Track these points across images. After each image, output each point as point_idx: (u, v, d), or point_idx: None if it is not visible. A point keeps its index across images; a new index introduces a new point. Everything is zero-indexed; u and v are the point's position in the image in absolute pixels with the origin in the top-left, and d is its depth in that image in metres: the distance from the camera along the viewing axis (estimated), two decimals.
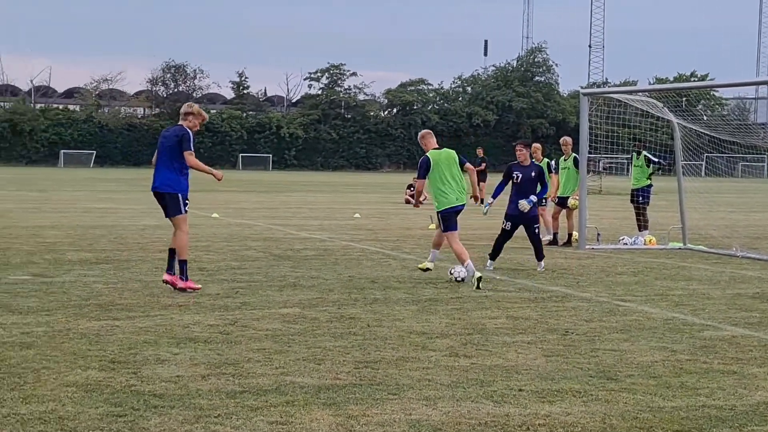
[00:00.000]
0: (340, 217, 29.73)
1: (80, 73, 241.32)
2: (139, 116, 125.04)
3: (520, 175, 16.39)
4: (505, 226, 16.55)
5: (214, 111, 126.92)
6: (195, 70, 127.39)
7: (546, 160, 22.21)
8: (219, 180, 13.94)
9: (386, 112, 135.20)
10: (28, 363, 8.41)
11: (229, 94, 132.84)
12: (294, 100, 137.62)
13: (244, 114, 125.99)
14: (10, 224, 23.80)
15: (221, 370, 8.33)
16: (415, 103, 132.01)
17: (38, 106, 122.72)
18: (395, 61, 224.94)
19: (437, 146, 15.27)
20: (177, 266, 13.18)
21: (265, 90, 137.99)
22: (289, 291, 13.27)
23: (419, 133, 15.87)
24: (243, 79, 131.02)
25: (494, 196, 16.94)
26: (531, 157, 17.26)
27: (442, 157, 14.96)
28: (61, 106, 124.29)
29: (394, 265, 16.84)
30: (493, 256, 16.66)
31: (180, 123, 13.57)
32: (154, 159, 13.68)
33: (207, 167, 13.58)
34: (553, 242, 21.02)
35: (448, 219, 14.94)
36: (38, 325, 10.26)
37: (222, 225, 25.26)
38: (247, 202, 38.41)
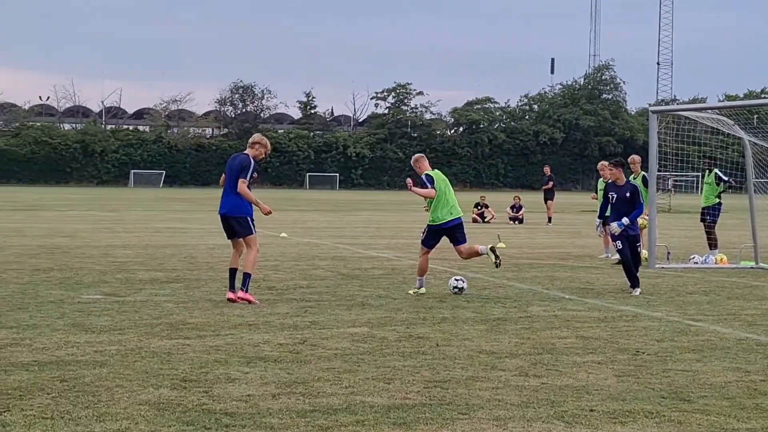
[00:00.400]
0: (407, 236, 29.71)
1: (150, 94, 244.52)
2: (208, 136, 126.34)
3: (615, 195, 16.14)
4: (616, 246, 16.32)
5: (282, 131, 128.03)
6: (263, 91, 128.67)
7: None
8: (266, 215, 14.39)
9: (452, 131, 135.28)
10: (101, 381, 8.52)
11: (296, 114, 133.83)
12: (361, 120, 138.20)
13: (311, 134, 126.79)
14: (83, 244, 24.14)
15: (291, 389, 8.37)
16: (482, 122, 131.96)
17: (109, 127, 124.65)
18: (462, 80, 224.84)
19: (429, 168, 15.78)
20: (242, 281, 13.88)
21: (332, 110, 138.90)
22: (357, 310, 13.30)
23: (413, 157, 16.27)
24: (310, 99, 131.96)
25: (600, 216, 17.05)
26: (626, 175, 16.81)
27: (440, 177, 15.67)
28: (131, 127, 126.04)
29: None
30: (633, 282, 15.92)
31: (246, 151, 14.27)
32: (221, 180, 14.25)
33: (256, 199, 14.08)
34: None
35: (435, 235, 15.54)
36: (111, 343, 10.38)
37: (290, 244, 25.39)
38: (315, 222, 38.57)
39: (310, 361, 9.58)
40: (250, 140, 14.39)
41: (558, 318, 12.88)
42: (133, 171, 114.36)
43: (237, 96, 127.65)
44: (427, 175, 15.60)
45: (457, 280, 15.62)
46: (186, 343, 10.50)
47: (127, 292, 14.75)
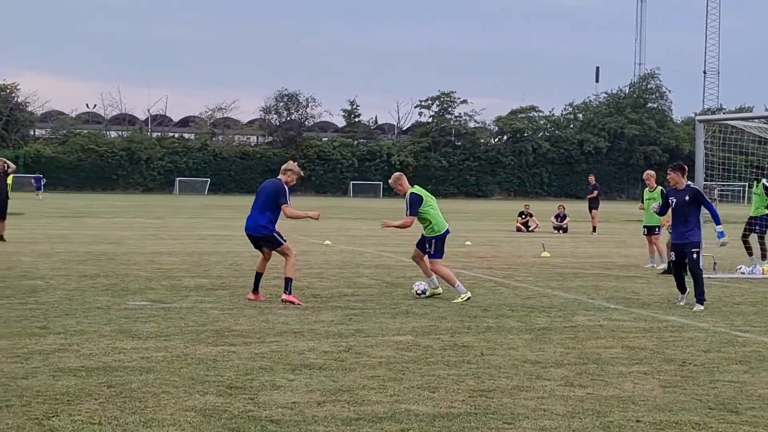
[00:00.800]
0: (451, 245, 29.49)
1: (195, 102, 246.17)
2: (252, 144, 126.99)
3: (675, 200, 15.91)
4: (670, 257, 16.14)
5: (326, 139, 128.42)
6: (307, 99, 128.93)
7: (660, 188, 21.96)
8: (316, 219, 15.35)
9: (496, 140, 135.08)
10: (148, 387, 8.57)
11: (340, 122, 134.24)
12: (404, 128, 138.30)
13: (355, 142, 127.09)
14: (129, 251, 24.33)
15: (336, 396, 8.38)
16: (526, 130, 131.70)
17: (155, 134, 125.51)
18: (506, 88, 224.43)
19: (410, 186, 16.03)
20: (284, 285, 14.75)
21: (376, 118, 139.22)
22: (402, 318, 13.31)
23: (393, 177, 16.46)
24: (354, 107, 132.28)
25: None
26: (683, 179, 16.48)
27: (425, 193, 16.03)
28: (176, 135, 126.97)
29: (506, 293, 16.77)
30: (682, 289, 15.74)
31: (279, 177, 15.21)
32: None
33: (303, 213, 15.27)
34: (669, 271, 20.69)
35: (443, 243, 15.95)
36: (157, 350, 10.45)
37: (334, 252, 25.46)
38: (359, 230, 38.62)
39: (354, 369, 9.59)
40: (284, 167, 15.35)
41: (603, 328, 12.81)
42: (178, 178, 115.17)
43: (282, 104, 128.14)
44: (413, 194, 15.82)
45: (418, 284, 16.03)
46: (231, 350, 10.55)
47: (172, 299, 14.85)
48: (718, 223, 15.75)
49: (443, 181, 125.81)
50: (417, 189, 15.97)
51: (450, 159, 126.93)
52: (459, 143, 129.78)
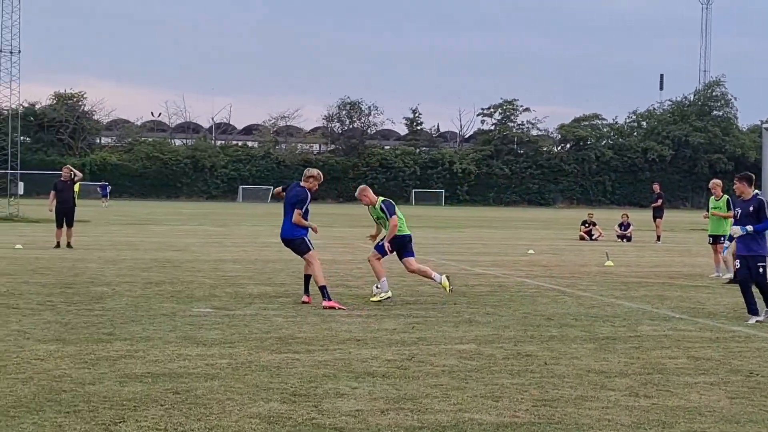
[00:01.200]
0: (513, 253, 29.60)
1: (259, 110, 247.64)
2: (315, 152, 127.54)
3: (740, 211, 15.61)
4: (735, 267, 15.91)
5: (388, 147, 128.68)
6: (369, 107, 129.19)
7: (726, 197, 21.75)
8: (315, 233, 16.16)
9: (559, 148, 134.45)
10: (213, 394, 8.65)
11: (402, 130, 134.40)
12: (467, 136, 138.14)
13: (417, 150, 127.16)
14: (193, 258, 24.56)
15: (400, 405, 8.39)
16: (589, 138, 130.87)
17: (219, 142, 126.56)
18: (569, 96, 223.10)
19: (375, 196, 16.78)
20: (321, 295, 15.31)
21: (438, 126, 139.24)
22: (464, 327, 13.29)
23: (359, 189, 16.91)
24: (416, 115, 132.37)
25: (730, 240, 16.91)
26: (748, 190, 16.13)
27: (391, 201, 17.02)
28: (240, 143, 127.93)
29: (570, 302, 16.67)
30: (752, 310, 14.92)
31: (302, 184, 15.96)
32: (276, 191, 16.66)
33: (307, 222, 15.87)
34: (734, 281, 20.44)
35: (410, 243, 16.90)
36: (221, 357, 10.54)
37: (397, 260, 25.39)
38: (421, 238, 38.56)
39: (418, 378, 9.60)
40: (307, 174, 16.13)
41: (668, 338, 12.69)
42: (241, 186, 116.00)
43: (344, 112, 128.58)
44: (386, 201, 16.66)
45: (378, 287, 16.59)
46: (295, 357, 10.60)
47: (236, 306, 14.96)
48: (757, 229, 15.06)
49: (505, 189, 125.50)
50: (383, 198, 16.79)
51: (512, 167, 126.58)
52: (521, 151, 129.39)
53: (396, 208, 16.67)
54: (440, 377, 9.65)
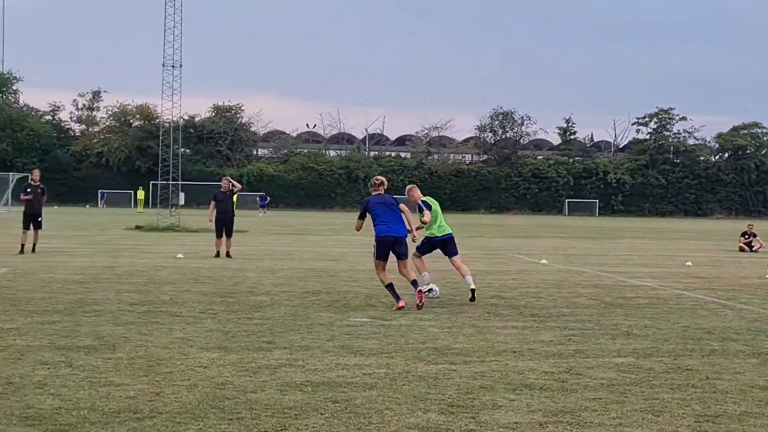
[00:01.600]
0: (670, 265, 29.05)
1: (411, 121, 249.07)
2: (467, 163, 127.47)
3: None
4: None
5: (541, 157, 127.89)
6: (522, 117, 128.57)
7: None
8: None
9: (717, 157, 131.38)
10: (371, 404, 8.74)
11: (555, 139, 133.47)
12: (621, 145, 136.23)
13: (571, 159, 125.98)
14: (349, 268, 24.82)
15: (558, 418, 8.34)
16: (749, 147, 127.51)
17: (372, 153, 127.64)
18: (727, 105, 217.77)
19: (421, 196, 18.41)
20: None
21: (592, 135, 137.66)
22: (622, 339, 13.11)
23: (407, 188, 19.11)
24: (570, 124, 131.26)
25: None
26: None
27: (433, 201, 18.48)
28: (393, 154, 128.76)
29: (731, 315, 16.28)
30: None
31: (382, 192, 17.23)
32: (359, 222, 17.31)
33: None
34: None
35: (430, 246, 18.39)
36: (379, 366, 10.63)
37: (550, 271, 25.28)
38: (575, 249, 38.24)
39: (576, 391, 9.52)
40: (378, 182, 17.42)
41: None
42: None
43: (497, 122, 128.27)
44: (423, 201, 18.01)
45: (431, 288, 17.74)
46: (452, 368, 10.63)
47: (392, 316, 15.07)
48: None
49: (661, 199, 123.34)
50: (426, 198, 18.31)
51: (668, 177, 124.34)
52: (677, 160, 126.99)
53: (434, 208, 18.05)
54: (599, 390, 9.55)
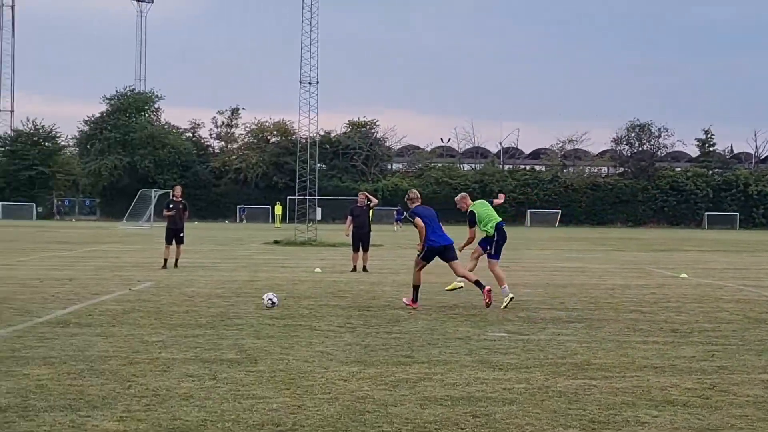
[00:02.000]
0: None
1: (546, 134, 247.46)
2: (603, 175, 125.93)
3: None
4: None
5: (679, 169, 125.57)
6: (659, 129, 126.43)
7: None
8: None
9: None
10: (511, 419, 8.71)
11: (693, 152, 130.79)
12: (762, 157, 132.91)
13: (710, 172, 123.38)
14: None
15: None
16: None
17: (506, 167, 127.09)
18: None
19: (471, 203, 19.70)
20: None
21: (732, 147, 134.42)
22: None
23: (459, 196, 20.50)
24: (709, 136, 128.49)
25: None
26: None
27: (479, 204, 19.76)
28: (527, 167, 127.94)
29: None
30: None
31: (425, 206, 18.77)
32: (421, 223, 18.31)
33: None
34: None
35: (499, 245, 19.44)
36: (518, 381, 10.59)
37: (691, 285, 24.81)
38: (715, 262, 37.43)
39: (721, 408, 9.33)
40: (414, 196, 19.04)
41: None
42: (529, 210, 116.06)
43: (633, 135, 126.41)
44: (470, 212, 19.37)
45: (269, 298, 17.74)
46: (592, 383, 10.53)
47: (530, 331, 14.99)
48: None
49: None
50: (473, 205, 19.50)
51: None
52: None
53: (477, 219, 19.14)
54: (745, 408, 9.34)
